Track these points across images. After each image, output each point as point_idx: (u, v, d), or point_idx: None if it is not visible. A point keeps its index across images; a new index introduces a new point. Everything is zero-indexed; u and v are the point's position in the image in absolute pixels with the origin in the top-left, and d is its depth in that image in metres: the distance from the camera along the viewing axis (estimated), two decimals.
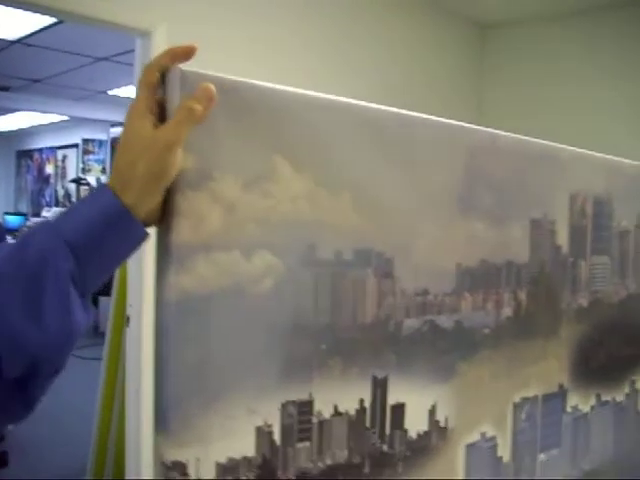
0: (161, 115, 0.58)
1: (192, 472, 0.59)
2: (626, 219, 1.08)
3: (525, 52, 3.56)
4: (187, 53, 0.58)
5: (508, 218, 0.86)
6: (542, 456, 0.94)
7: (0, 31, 3.65)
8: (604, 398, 1.06)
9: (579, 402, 1.00)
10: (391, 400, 0.74)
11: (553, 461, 0.96)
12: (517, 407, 0.89)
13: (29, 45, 3.97)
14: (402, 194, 0.74)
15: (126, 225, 0.56)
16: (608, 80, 3.25)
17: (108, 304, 2.84)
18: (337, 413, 0.69)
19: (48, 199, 8.15)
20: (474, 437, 0.84)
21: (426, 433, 0.77)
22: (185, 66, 0.59)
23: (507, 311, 0.87)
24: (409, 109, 0.75)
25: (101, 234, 0.55)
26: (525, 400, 0.90)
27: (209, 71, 0.60)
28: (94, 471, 2.74)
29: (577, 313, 0.99)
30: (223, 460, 0.61)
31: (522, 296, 0.89)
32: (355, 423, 0.71)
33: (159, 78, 0.58)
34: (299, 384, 0.66)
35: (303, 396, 0.66)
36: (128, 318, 2.31)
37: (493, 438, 0.86)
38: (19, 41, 3.89)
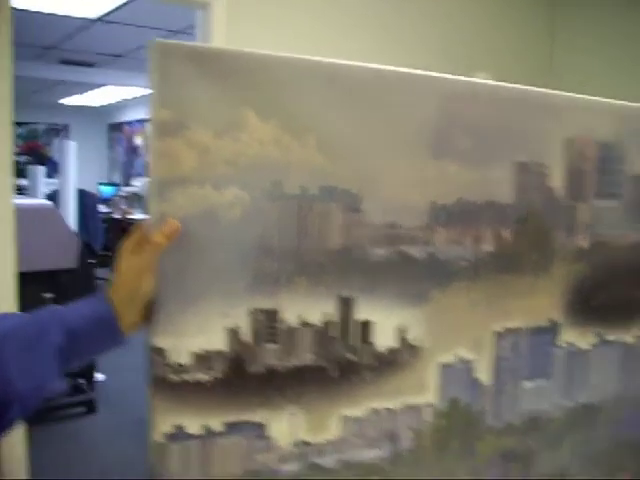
0: None
1: (170, 357, 0.76)
2: None
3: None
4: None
5: (488, 161, 0.93)
6: (528, 383, 1.01)
7: (82, 10, 4.00)
8: (608, 338, 1.09)
9: (575, 339, 1.05)
10: (357, 317, 0.86)
11: (540, 390, 1.02)
12: (499, 335, 0.97)
13: (109, 22, 4.29)
14: (370, 137, 0.84)
15: (112, 329, 0.74)
16: None
17: None
18: (302, 323, 0.83)
19: (138, 169, 8.64)
20: (448, 358, 0.93)
21: (395, 349, 0.89)
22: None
23: (488, 247, 0.94)
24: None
25: (91, 329, 0.73)
26: (509, 330, 0.98)
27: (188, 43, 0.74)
28: None
29: (575, 254, 1.03)
30: (197, 350, 0.77)
31: (506, 234, 0.95)
32: (320, 333, 0.84)
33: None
34: (267, 295, 0.80)
35: (270, 306, 0.81)
36: None
37: (470, 361, 0.95)
38: (100, 19, 4.23)
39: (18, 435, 2.13)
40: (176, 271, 0.76)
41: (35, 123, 8.77)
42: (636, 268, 1.11)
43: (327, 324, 0.84)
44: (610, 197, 1.06)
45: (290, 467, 0.84)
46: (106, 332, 0.74)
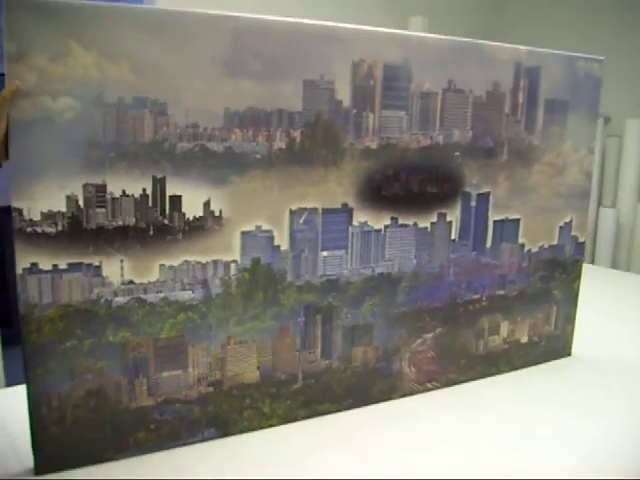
0: None
1: (26, 215, 1.11)
2: (430, 83, 1.36)
3: None
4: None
5: (277, 79, 1.22)
6: (324, 253, 1.32)
7: None
8: (402, 222, 1.38)
9: (369, 220, 1.35)
10: (169, 193, 1.18)
11: (336, 258, 1.33)
12: (294, 213, 1.28)
13: None
14: (173, 62, 1.15)
15: None
16: None
17: None
18: (125, 195, 1.16)
19: None
20: (249, 227, 1.25)
21: (202, 217, 1.21)
22: None
23: (279, 144, 1.25)
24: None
25: None
26: (302, 209, 1.28)
27: None
28: None
29: (363, 153, 1.32)
30: (45, 211, 1.12)
31: (295, 135, 1.25)
32: (140, 202, 1.17)
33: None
34: (95, 175, 1.14)
35: (99, 182, 1.14)
36: None
37: (269, 231, 1.27)
38: None
39: None
40: (26, 156, 1.10)
41: None
42: (426, 167, 1.39)
43: (144, 196, 1.17)
44: (397, 108, 1.34)
45: (121, 299, 1.19)
46: None
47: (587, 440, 1.34)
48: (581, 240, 1.77)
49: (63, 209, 1.13)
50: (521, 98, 1.54)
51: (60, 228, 1.13)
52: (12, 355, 2.81)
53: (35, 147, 1.10)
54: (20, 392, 1.20)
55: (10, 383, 1.79)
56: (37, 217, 1.12)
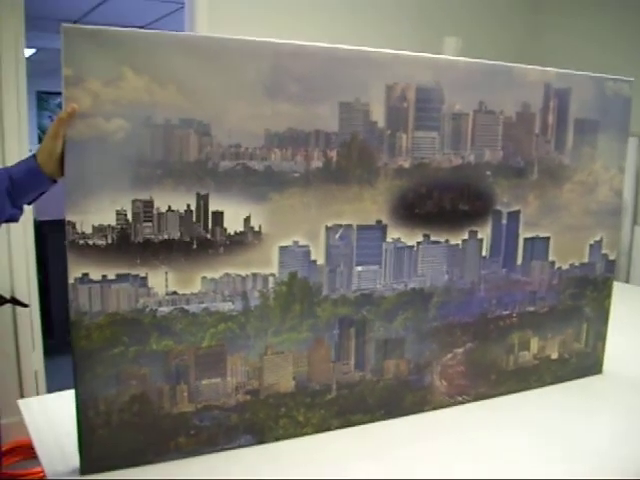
0: None
1: (78, 228, 1.18)
2: (461, 104, 1.40)
3: None
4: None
5: (315, 101, 1.28)
6: (359, 268, 1.37)
7: None
8: (434, 239, 1.42)
9: (402, 236, 1.40)
10: (212, 209, 1.25)
11: (370, 273, 1.38)
12: (329, 229, 1.33)
13: None
14: (216, 86, 1.22)
15: (39, 176, 1.19)
16: None
17: None
18: (170, 210, 1.22)
19: None
20: (287, 242, 1.31)
21: (242, 232, 1.27)
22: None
23: (316, 163, 1.30)
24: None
25: (26, 176, 1.19)
26: (338, 225, 1.34)
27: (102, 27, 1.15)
28: None
29: (397, 172, 1.37)
30: (96, 224, 1.19)
31: (332, 154, 1.31)
32: (184, 217, 1.24)
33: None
34: (144, 191, 1.21)
35: (146, 198, 1.21)
36: None
37: (306, 246, 1.32)
38: None
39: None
40: (80, 172, 1.17)
41: None
42: (458, 185, 1.44)
43: (188, 212, 1.24)
44: (429, 129, 1.39)
45: (165, 309, 1.25)
46: (36, 178, 1.19)
47: (611, 454, 1.35)
48: (612, 258, 1.78)
49: (113, 223, 1.20)
50: (551, 119, 1.57)
51: (110, 241, 1.20)
52: (53, 364, 2.92)
53: (89, 164, 1.17)
54: (64, 397, 1.27)
55: (51, 389, 1.87)
56: (89, 230, 1.19)
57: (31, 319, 2.79)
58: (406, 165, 1.38)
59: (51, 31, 2.48)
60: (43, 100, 8.71)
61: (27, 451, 2.40)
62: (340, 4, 3.09)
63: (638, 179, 3.70)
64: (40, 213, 3.42)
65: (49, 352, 2.94)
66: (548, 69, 1.57)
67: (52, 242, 3.47)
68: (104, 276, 1.21)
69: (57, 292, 3.39)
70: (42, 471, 1.28)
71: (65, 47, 1.15)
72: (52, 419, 1.42)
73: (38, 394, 2.75)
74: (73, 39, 1.15)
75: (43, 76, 5.57)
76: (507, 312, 1.61)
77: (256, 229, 1.29)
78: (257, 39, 1.25)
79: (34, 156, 1.20)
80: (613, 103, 1.68)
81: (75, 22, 5.96)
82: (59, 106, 9.57)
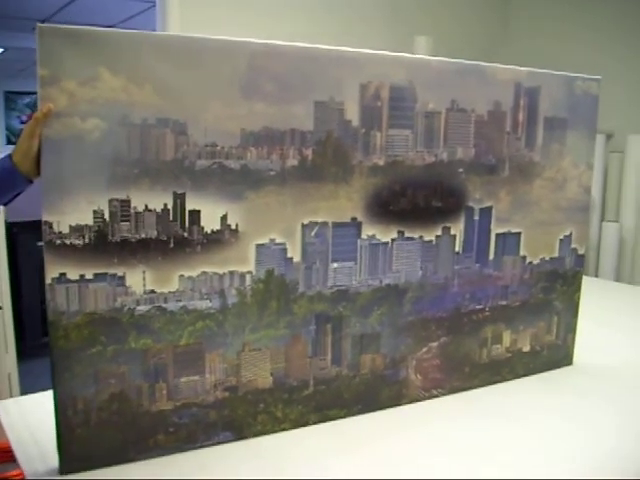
0: None
1: (55, 228, 1.18)
2: (433, 103, 1.43)
3: None
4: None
5: (289, 100, 1.30)
6: (334, 265, 1.39)
7: None
8: (408, 235, 1.45)
9: (377, 233, 1.42)
10: (189, 207, 1.25)
11: (346, 270, 1.40)
12: (305, 226, 1.35)
13: None
14: (192, 85, 1.23)
15: (15, 175, 1.18)
16: None
17: None
18: (148, 209, 1.23)
19: None
20: (264, 240, 1.32)
21: (219, 231, 1.28)
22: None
23: (292, 162, 1.32)
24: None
25: (3, 176, 1.18)
26: (314, 223, 1.36)
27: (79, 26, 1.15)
28: None
29: (371, 169, 1.39)
30: (73, 224, 1.19)
31: (307, 153, 1.33)
32: (161, 216, 1.24)
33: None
34: (120, 191, 1.21)
35: (123, 197, 1.21)
36: None
37: (282, 244, 1.34)
38: None
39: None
40: (56, 172, 1.17)
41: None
42: (431, 183, 1.47)
43: (165, 211, 1.24)
44: (402, 127, 1.41)
45: (143, 308, 1.25)
46: (11, 178, 1.18)
47: (584, 443, 1.39)
48: (581, 252, 1.83)
49: (90, 222, 1.20)
50: (521, 117, 1.61)
51: (87, 240, 1.20)
52: (25, 366, 2.89)
53: (65, 164, 1.17)
54: (41, 398, 1.26)
55: (25, 392, 1.85)
56: (66, 230, 1.19)
57: (4, 321, 2.76)
58: (380, 163, 1.41)
59: (19, 30, 2.45)
60: (11, 100, 8.58)
61: (3, 455, 2.38)
62: (312, 3, 3.11)
63: (606, 176, 3.79)
64: (10, 214, 3.38)
65: (20, 355, 2.92)
66: (519, 68, 1.61)
67: (23, 244, 3.43)
68: (82, 276, 1.21)
69: (28, 294, 3.36)
70: (20, 474, 1.28)
71: (40, 47, 1.14)
72: (29, 420, 1.42)
73: (12, 397, 2.73)
74: (49, 39, 1.14)
75: (11, 76, 5.48)
76: (480, 306, 1.65)
77: (233, 227, 1.30)
78: (233, 39, 1.26)
79: (9, 156, 1.20)
80: (582, 101, 1.72)
81: (43, 21, 5.87)
82: (28, 106, 9.39)
